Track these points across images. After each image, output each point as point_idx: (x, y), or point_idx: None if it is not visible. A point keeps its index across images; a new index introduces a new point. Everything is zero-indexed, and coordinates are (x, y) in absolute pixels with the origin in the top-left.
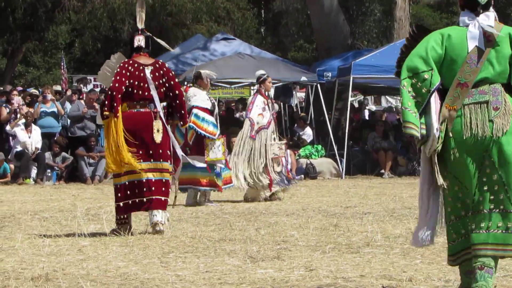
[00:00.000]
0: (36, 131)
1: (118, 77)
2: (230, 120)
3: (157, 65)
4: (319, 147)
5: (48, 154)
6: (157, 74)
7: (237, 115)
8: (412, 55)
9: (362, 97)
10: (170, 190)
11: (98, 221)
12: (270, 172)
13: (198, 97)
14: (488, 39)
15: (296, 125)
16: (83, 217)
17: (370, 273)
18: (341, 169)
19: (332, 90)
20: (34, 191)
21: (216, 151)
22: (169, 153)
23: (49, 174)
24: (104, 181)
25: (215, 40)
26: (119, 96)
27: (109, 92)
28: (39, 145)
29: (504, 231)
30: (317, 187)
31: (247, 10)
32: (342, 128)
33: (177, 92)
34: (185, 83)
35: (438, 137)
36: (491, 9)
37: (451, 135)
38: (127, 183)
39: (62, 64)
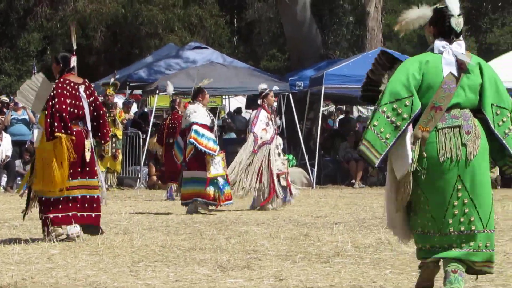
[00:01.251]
0: (6, 138)
1: (62, 98)
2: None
3: (87, 84)
4: (290, 156)
5: (18, 162)
6: (87, 93)
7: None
8: (394, 82)
9: (334, 107)
10: (101, 204)
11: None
12: (277, 187)
13: (197, 114)
14: (460, 67)
15: None
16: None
17: (340, 283)
18: (312, 179)
19: (304, 99)
20: (3, 199)
21: (217, 167)
22: (96, 170)
23: (19, 182)
24: None
25: (187, 48)
26: (66, 116)
27: (57, 114)
28: (9, 153)
29: (474, 250)
30: None
31: (220, 17)
32: (313, 138)
33: (101, 112)
34: (157, 91)
35: (412, 158)
36: (461, 37)
37: (425, 155)
38: (61, 198)
39: (33, 71)
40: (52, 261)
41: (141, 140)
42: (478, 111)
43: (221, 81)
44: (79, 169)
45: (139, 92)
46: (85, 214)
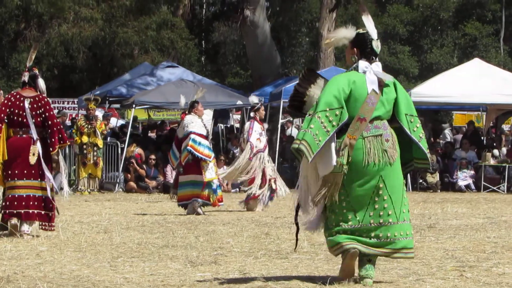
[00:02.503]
0: None
1: (2, 107)
2: (173, 138)
3: (37, 98)
4: None
5: None
6: (35, 105)
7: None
8: (328, 94)
9: (291, 119)
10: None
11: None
12: (265, 191)
13: (194, 124)
14: (379, 84)
15: (230, 143)
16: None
17: (297, 277)
18: None
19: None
20: None
21: (211, 171)
22: (45, 173)
23: None
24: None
25: (160, 67)
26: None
27: None
28: None
29: (387, 239)
30: None
31: (189, 40)
32: (273, 147)
33: (50, 122)
34: (133, 105)
35: (338, 162)
36: (377, 59)
37: (350, 160)
38: (10, 196)
39: None
40: (41, 257)
41: (119, 149)
42: (391, 121)
43: (191, 96)
44: (25, 171)
45: (117, 106)
46: (30, 211)
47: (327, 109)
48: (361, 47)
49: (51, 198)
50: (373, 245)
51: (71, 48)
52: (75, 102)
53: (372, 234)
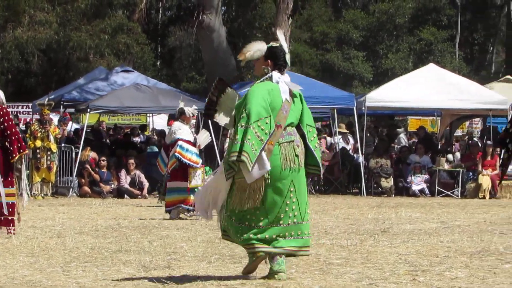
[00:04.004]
0: None
1: None
2: (127, 143)
3: None
4: (207, 168)
5: None
6: None
7: (137, 139)
8: (256, 105)
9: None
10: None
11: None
12: None
13: (182, 131)
14: (290, 94)
15: None
16: None
17: (250, 281)
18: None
19: None
20: None
21: (197, 179)
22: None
23: None
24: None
25: (115, 72)
26: None
27: None
28: None
29: (296, 237)
30: None
31: (145, 44)
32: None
33: (9, 132)
34: (88, 110)
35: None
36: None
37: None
38: None
39: None
40: None
41: (73, 154)
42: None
43: (146, 101)
44: None
45: (72, 110)
46: None
47: (259, 119)
48: (275, 59)
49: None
50: (282, 245)
51: (25, 52)
52: (30, 107)
53: (281, 234)
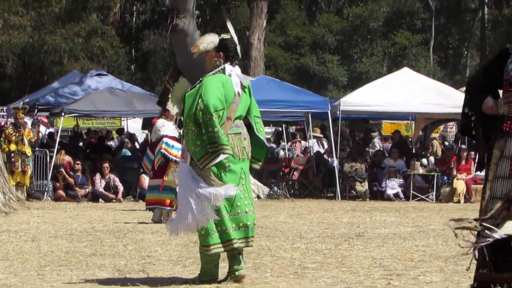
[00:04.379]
0: None
1: None
2: (102, 147)
3: None
4: None
5: None
6: None
7: (111, 143)
8: (213, 97)
9: None
10: None
11: None
12: None
13: (166, 127)
14: (241, 86)
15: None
16: None
17: (225, 285)
18: None
19: None
20: None
21: (175, 175)
22: None
23: None
24: None
25: (89, 76)
26: None
27: None
28: None
29: (246, 228)
30: None
31: (120, 48)
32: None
33: None
34: (62, 113)
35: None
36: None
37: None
38: None
39: None
40: None
41: (48, 157)
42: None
43: (120, 105)
44: None
45: (46, 114)
46: None
47: (214, 111)
48: (227, 51)
49: None
50: (238, 236)
51: (0, 56)
52: (4, 110)
53: (240, 224)
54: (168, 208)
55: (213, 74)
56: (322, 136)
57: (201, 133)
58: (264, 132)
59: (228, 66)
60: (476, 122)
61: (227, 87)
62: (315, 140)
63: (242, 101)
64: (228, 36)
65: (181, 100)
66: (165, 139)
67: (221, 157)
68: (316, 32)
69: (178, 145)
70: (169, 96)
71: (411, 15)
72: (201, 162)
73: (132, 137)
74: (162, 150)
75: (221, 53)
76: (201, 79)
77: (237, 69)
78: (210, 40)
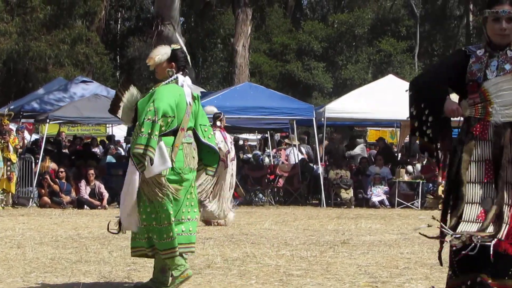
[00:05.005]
0: None
1: None
2: (87, 154)
3: None
4: None
5: None
6: None
7: (96, 150)
8: (165, 102)
9: None
10: None
11: None
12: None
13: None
14: (192, 96)
15: None
16: None
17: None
18: None
19: None
20: None
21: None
22: None
23: None
24: None
25: (75, 82)
26: None
27: None
28: None
29: (188, 234)
30: None
31: (104, 55)
32: None
33: None
34: (47, 120)
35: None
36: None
37: (175, 165)
38: None
39: None
40: None
41: (33, 164)
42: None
43: (105, 111)
44: None
45: (31, 120)
46: None
47: (164, 116)
48: (177, 61)
49: None
50: (181, 241)
51: None
52: None
53: (183, 229)
54: None
55: (166, 84)
56: (299, 143)
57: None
58: (214, 138)
59: (180, 77)
60: (434, 123)
61: (181, 98)
62: (291, 148)
63: (193, 111)
64: (178, 46)
65: (131, 109)
66: None
67: (164, 166)
68: (301, 38)
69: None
70: (120, 104)
71: (396, 22)
72: (139, 167)
73: (116, 143)
74: None
75: (173, 63)
76: (153, 88)
77: (188, 80)
78: (163, 52)
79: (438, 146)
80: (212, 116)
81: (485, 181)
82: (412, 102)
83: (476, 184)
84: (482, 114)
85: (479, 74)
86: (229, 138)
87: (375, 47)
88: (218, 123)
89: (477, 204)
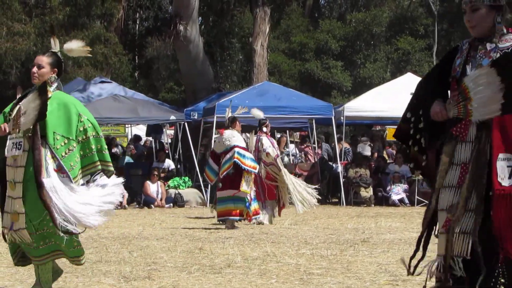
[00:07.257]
0: None
1: None
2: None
3: None
4: (186, 178)
5: None
6: None
7: (114, 150)
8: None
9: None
10: None
11: None
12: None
13: (236, 138)
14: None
15: (157, 159)
16: None
17: None
18: (206, 198)
19: (198, 128)
20: None
21: (248, 184)
22: None
23: None
24: None
25: (93, 83)
26: None
27: None
28: None
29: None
30: (184, 214)
31: (123, 55)
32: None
33: None
34: None
35: None
36: None
37: None
38: None
39: None
40: None
41: None
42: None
43: (124, 111)
44: None
45: None
46: None
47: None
48: (59, 67)
49: None
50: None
51: (4, 63)
52: None
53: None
54: (237, 218)
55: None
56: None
57: (79, 150)
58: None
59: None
60: (425, 129)
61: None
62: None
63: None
64: (57, 50)
65: (33, 111)
66: (237, 149)
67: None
68: (319, 38)
69: (249, 155)
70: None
71: (414, 20)
72: (77, 180)
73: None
74: (236, 160)
75: (55, 69)
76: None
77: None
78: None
79: (428, 157)
80: (258, 120)
81: (457, 185)
82: (408, 106)
83: (450, 189)
84: (463, 113)
85: (459, 69)
86: (275, 142)
87: (393, 45)
88: (264, 129)
89: (444, 211)
